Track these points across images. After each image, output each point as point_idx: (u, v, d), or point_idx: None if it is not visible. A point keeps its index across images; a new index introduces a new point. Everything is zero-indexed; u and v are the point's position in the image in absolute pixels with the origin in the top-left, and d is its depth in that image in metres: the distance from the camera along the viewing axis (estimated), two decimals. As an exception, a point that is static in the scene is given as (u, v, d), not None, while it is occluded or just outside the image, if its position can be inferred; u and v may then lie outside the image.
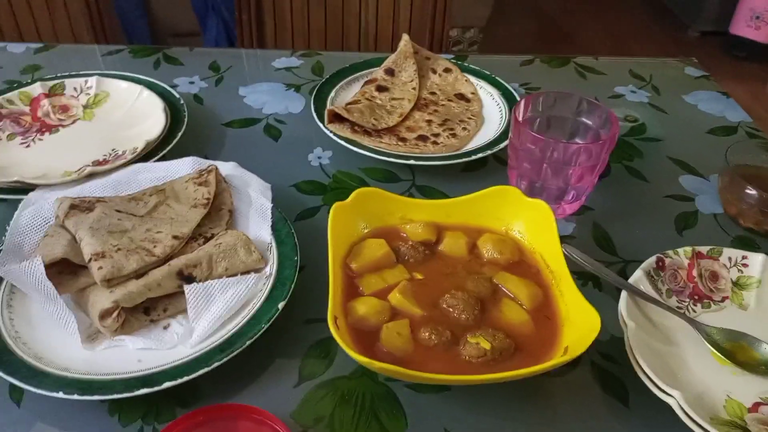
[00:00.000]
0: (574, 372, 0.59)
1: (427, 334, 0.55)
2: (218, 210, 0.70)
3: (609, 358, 0.60)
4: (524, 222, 0.66)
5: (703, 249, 0.65)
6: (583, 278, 0.67)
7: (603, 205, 0.79)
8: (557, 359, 0.51)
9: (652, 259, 0.63)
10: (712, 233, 0.76)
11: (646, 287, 0.61)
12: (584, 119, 0.74)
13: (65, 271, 0.60)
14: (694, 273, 0.64)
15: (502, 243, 0.64)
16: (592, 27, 3.35)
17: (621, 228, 0.75)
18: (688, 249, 0.65)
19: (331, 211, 0.62)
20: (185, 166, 0.74)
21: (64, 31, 1.39)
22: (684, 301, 0.63)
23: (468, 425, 0.54)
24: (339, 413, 0.55)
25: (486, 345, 0.53)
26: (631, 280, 0.61)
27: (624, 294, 0.59)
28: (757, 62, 2.97)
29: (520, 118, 0.72)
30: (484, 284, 0.60)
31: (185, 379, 0.53)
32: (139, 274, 0.59)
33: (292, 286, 0.61)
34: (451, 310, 0.58)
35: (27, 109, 0.87)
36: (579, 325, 0.55)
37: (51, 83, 0.90)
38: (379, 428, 0.54)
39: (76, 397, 0.51)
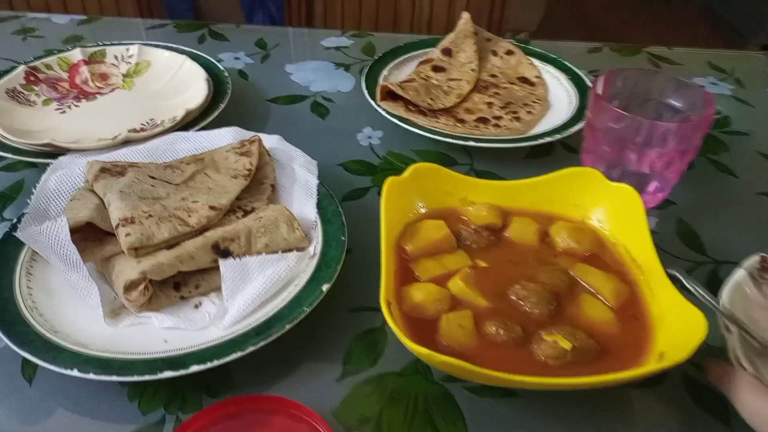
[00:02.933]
0: (663, 383, 0.50)
1: (494, 328, 0.47)
2: (260, 184, 0.63)
3: (704, 370, 0.51)
4: (606, 209, 0.57)
5: None
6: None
7: (687, 199, 0.70)
8: (654, 365, 0.42)
9: (755, 259, 0.54)
10: (815, 236, 0.66)
11: (751, 290, 0.52)
12: (671, 101, 0.66)
13: (90, 237, 0.54)
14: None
15: (579, 232, 0.56)
16: (646, 38, 3.21)
17: (709, 225, 0.66)
18: None
19: (385, 186, 0.55)
20: (227, 136, 0.68)
21: (110, 9, 1.36)
22: None
23: (538, 437, 0.46)
24: (387, 414, 0.47)
25: (566, 345, 0.45)
26: (732, 281, 0.52)
27: (726, 292, 0.50)
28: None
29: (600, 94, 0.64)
30: (560, 276, 0.52)
31: (215, 363, 0.46)
32: (170, 245, 0.53)
33: (339, 267, 0.54)
34: (521, 302, 0.50)
35: (65, 75, 0.83)
36: (675, 327, 0.46)
37: (91, 50, 0.85)
38: (435, 434, 0.46)
39: (92, 376, 0.45)
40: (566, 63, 0.89)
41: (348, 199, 0.68)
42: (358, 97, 0.84)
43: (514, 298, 0.50)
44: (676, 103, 0.66)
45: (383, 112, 0.77)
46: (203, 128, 0.72)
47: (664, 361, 0.42)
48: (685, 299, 0.47)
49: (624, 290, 0.51)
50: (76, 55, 0.84)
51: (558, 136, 0.74)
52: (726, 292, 0.50)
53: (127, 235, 0.51)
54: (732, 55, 1.03)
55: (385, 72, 0.87)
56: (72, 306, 0.52)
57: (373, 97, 0.79)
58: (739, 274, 0.52)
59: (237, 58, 0.95)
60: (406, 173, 0.58)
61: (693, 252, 0.63)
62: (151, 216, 0.53)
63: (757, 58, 1.03)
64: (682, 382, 0.50)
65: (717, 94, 0.91)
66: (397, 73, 0.88)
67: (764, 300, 0.52)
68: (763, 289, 0.53)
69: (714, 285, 0.59)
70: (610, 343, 0.47)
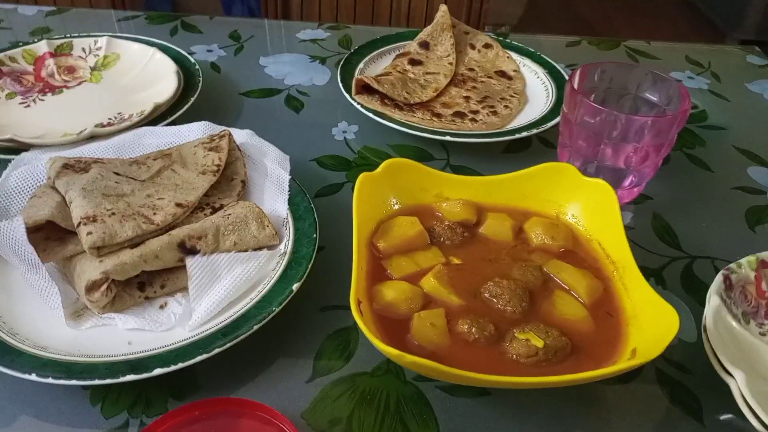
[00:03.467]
0: (637, 380, 0.50)
1: (466, 326, 0.46)
2: (229, 180, 0.62)
3: (679, 367, 0.51)
4: (581, 205, 0.57)
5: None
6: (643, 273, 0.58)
7: (663, 194, 0.70)
8: (626, 362, 0.42)
9: (719, 278, 0.52)
10: (789, 231, 0.66)
11: (724, 318, 0.51)
12: (648, 95, 0.65)
13: (52, 236, 0.52)
14: (764, 287, 0.54)
15: (554, 228, 0.55)
16: (628, 33, 3.22)
17: (685, 220, 0.66)
18: (752, 259, 0.54)
19: (358, 182, 0.54)
20: (196, 131, 0.66)
21: (82, 0, 1.33)
22: (764, 324, 0.52)
23: (511, 437, 0.45)
24: (359, 415, 0.46)
25: (538, 342, 0.44)
26: (709, 310, 0.50)
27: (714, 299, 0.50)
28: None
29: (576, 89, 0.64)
30: (534, 273, 0.51)
31: (180, 366, 0.44)
32: (134, 244, 0.51)
33: (309, 266, 0.53)
34: (494, 300, 0.49)
35: (30, 68, 0.80)
36: (649, 324, 0.46)
37: (58, 42, 0.83)
38: (406, 436, 0.45)
39: (50, 380, 0.43)
40: (544, 57, 0.88)
41: (321, 195, 0.67)
42: (333, 91, 0.83)
43: (487, 295, 0.49)
44: (653, 97, 0.65)
45: (358, 106, 0.76)
46: (172, 123, 0.70)
47: (636, 358, 0.42)
48: (658, 296, 0.46)
49: (598, 287, 0.50)
50: (41, 47, 0.81)
51: (535, 131, 0.73)
52: (710, 322, 0.49)
53: (89, 233, 0.49)
54: (709, 49, 1.03)
55: (361, 65, 0.85)
56: (33, 308, 0.50)
57: (349, 91, 0.78)
58: (713, 302, 0.50)
59: (210, 51, 0.93)
60: (380, 169, 0.56)
61: (668, 247, 0.63)
62: (114, 214, 0.51)
63: (734, 53, 1.03)
64: (656, 379, 0.50)
65: (694, 88, 0.91)
66: (374, 66, 0.87)
67: (736, 323, 0.51)
68: (732, 309, 0.52)
69: (689, 280, 0.59)
70: (583, 341, 0.47)
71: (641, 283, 0.48)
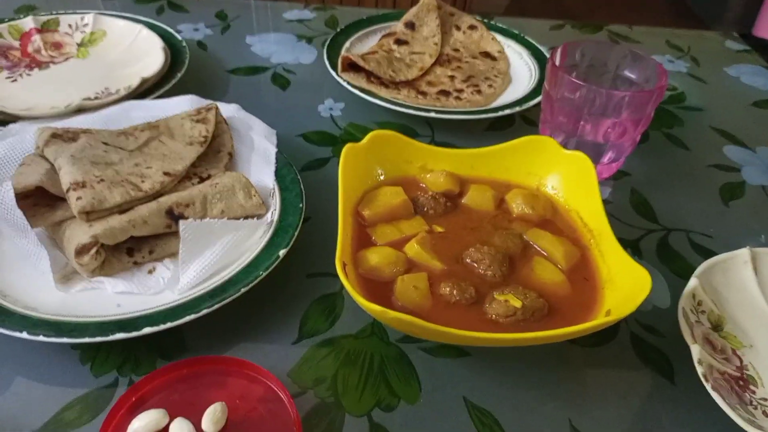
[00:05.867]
0: (611, 343, 0.52)
1: (447, 289, 0.48)
2: (217, 152, 0.63)
3: (652, 330, 0.53)
4: (560, 176, 0.58)
5: None
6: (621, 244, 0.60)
7: (641, 170, 0.72)
8: (600, 320, 0.43)
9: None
10: (760, 205, 0.68)
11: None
12: (627, 73, 0.67)
13: (41, 203, 0.53)
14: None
15: (533, 198, 0.57)
16: (612, 23, 3.25)
17: (661, 195, 0.68)
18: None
19: (343, 152, 0.55)
20: (183, 104, 0.67)
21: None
22: None
23: (489, 395, 0.47)
24: (343, 374, 0.48)
25: (516, 303, 0.46)
26: (687, 288, 0.51)
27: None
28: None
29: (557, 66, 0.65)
30: (514, 240, 0.53)
31: (168, 325, 0.45)
32: (123, 210, 0.52)
33: (296, 233, 0.54)
34: (475, 265, 0.50)
35: (16, 43, 0.80)
36: (623, 287, 0.48)
37: (44, 18, 0.83)
38: (389, 393, 0.46)
39: (42, 338, 0.44)
40: (528, 39, 0.90)
41: (308, 169, 0.68)
42: (319, 70, 0.84)
43: (468, 261, 0.51)
44: (632, 75, 0.67)
45: (344, 83, 0.77)
46: (159, 97, 0.71)
47: (610, 316, 0.44)
48: (632, 260, 0.48)
49: (575, 253, 0.52)
50: (27, 23, 0.81)
51: (518, 108, 0.75)
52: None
53: (78, 198, 0.50)
54: (689, 35, 1.05)
55: (347, 44, 0.86)
56: (23, 272, 0.50)
57: (335, 69, 0.79)
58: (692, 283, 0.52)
59: (196, 30, 0.93)
60: (365, 140, 0.58)
61: (645, 220, 0.65)
62: (103, 180, 0.52)
63: (713, 38, 1.05)
64: (630, 342, 0.52)
65: (673, 71, 0.93)
66: (360, 46, 0.88)
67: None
68: None
69: (664, 251, 0.61)
70: (560, 303, 0.48)
71: (617, 249, 0.50)
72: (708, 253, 0.60)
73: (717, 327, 0.51)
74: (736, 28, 3.05)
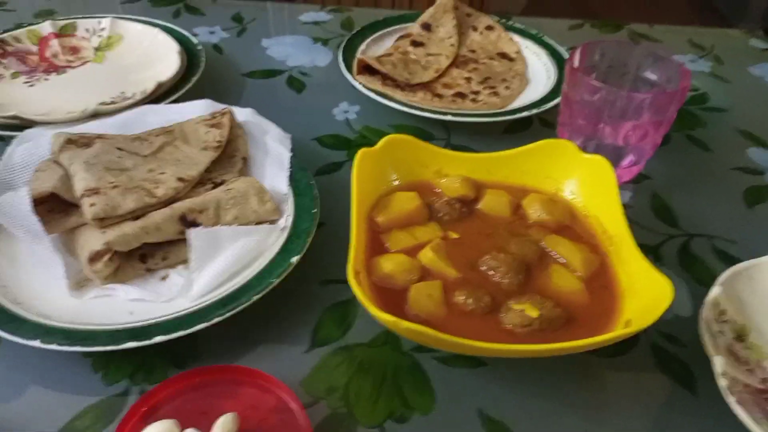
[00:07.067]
0: (632, 353, 0.50)
1: (462, 297, 0.47)
2: (231, 157, 0.62)
3: (673, 340, 0.51)
4: (578, 181, 0.57)
5: None
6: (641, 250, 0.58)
7: (662, 174, 0.70)
8: (619, 331, 0.42)
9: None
10: (787, 210, 0.66)
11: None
12: (648, 73, 0.65)
13: (55, 209, 0.53)
14: None
15: (551, 204, 0.56)
16: (634, 21, 3.20)
17: (683, 199, 0.66)
18: None
19: (357, 157, 0.55)
20: (198, 109, 0.67)
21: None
22: None
23: (505, 405, 0.46)
24: (356, 384, 0.47)
25: (533, 312, 0.45)
26: (709, 296, 0.50)
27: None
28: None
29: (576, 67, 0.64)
30: (531, 247, 0.52)
31: (180, 333, 0.45)
32: (136, 216, 0.52)
33: (309, 239, 0.53)
34: (491, 273, 0.49)
35: (34, 48, 0.81)
36: (644, 296, 0.46)
37: (62, 23, 0.83)
38: (402, 404, 0.46)
39: (55, 347, 0.44)
40: (546, 39, 0.88)
41: (322, 173, 0.68)
42: (335, 72, 0.83)
43: (484, 268, 0.50)
44: (653, 76, 0.65)
45: (360, 86, 0.76)
46: (175, 102, 0.71)
47: (630, 327, 0.42)
48: (653, 267, 0.46)
49: (594, 261, 0.51)
50: (45, 27, 0.82)
51: (535, 111, 0.73)
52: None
53: (92, 205, 0.50)
54: (712, 33, 1.03)
55: (363, 46, 0.85)
56: (37, 278, 0.51)
57: (350, 72, 0.78)
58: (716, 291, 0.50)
59: (212, 33, 0.93)
60: (380, 144, 0.57)
61: (666, 225, 0.63)
62: (116, 187, 0.52)
63: (737, 37, 1.02)
64: (650, 352, 0.51)
65: (696, 71, 0.91)
66: (376, 48, 0.87)
67: None
68: None
69: (686, 257, 0.59)
70: (578, 312, 0.47)
71: (637, 256, 0.49)
72: (731, 260, 0.58)
73: (740, 337, 0.49)
74: (761, 23, 3.00)
